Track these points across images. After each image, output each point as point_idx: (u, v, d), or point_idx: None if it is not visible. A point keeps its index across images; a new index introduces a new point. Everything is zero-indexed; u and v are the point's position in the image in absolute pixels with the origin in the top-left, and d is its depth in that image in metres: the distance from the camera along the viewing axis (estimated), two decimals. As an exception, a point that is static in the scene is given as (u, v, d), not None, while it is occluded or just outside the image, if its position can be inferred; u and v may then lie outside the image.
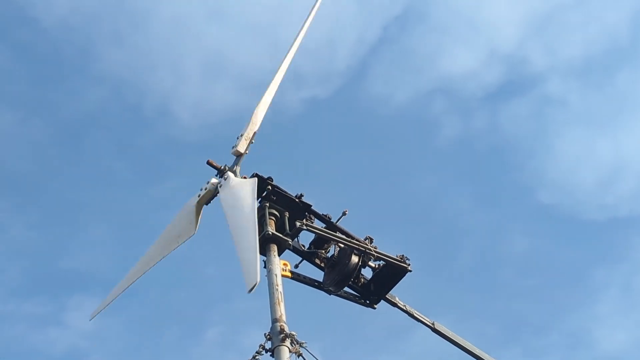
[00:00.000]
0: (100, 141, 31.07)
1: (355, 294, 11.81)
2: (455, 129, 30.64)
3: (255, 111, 11.78)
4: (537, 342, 27.69)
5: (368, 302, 11.84)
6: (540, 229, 30.10)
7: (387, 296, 11.85)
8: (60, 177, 31.10)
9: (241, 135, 11.58)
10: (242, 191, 10.73)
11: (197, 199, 11.49)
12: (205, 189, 11.44)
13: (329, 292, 11.57)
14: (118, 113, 31.42)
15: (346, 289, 11.65)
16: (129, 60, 30.92)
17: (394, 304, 11.92)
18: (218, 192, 11.31)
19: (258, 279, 9.12)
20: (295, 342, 9.86)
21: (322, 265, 11.60)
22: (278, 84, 12.38)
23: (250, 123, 11.67)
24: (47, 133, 31.55)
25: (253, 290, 9.15)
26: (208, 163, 11.54)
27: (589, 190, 30.53)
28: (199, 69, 30.97)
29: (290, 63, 12.85)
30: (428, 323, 12.04)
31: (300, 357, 9.80)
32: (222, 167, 11.46)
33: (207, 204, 11.51)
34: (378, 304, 11.90)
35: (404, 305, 11.98)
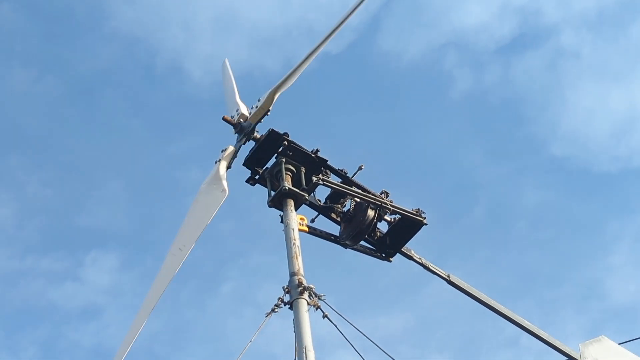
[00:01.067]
0: (113, 99, 31.26)
1: (371, 247, 11.94)
2: (468, 82, 30.62)
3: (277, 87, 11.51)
4: (550, 293, 27.95)
5: (384, 255, 11.97)
6: (553, 181, 30.23)
7: (402, 249, 11.98)
8: (75, 134, 31.33)
9: (255, 107, 11.60)
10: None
11: (217, 165, 11.47)
12: (224, 154, 11.46)
13: (345, 246, 11.69)
14: (131, 70, 31.56)
15: (362, 242, 11.80)
16: (140, 17, 30.91)
17: (410, 257, 12.04)
18: (238, 150, 11.44)
19: None
20: (313, 295, 10.00)
21: (338, 219, 11.73)
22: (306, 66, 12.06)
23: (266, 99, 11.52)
24: (61, 91, 31.77)
25: None
26: (223, 119, 11.63)
27: (602, 142, 30.54)
28: (211, 25, 30.93)
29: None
30: (443, 275, 12.16)
31: (319, 309, 9.94)
32: (237, 122, 11.56)
33: (229, 168, 11.54)
34: (394, 257, 12.04)
35: (420, 258, 12.10)
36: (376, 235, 11.77)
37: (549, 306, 27.25)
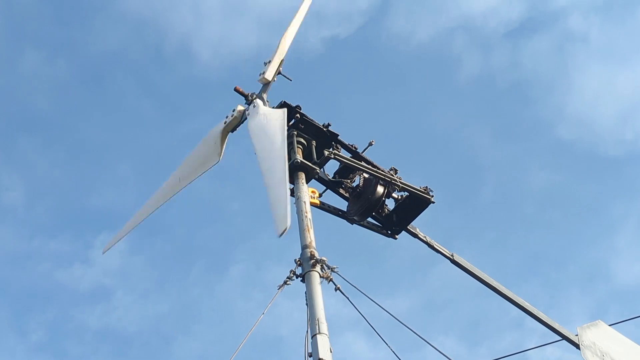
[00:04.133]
0: (123, 80, 31.24)
1: (378, 224, 11.92)
2: (476, 65, 30.63)
3: (283, 37, 11.63)
4: (556, 274, 28.19)
5: (390, 232, 11.96)
6: (560, 164, 30.18)
7: (408, 227, 11.96)
8: (85, 116, 31.13)
9: (269, 62, 11.53)
10: (271, 122, 10.60)
11: (223, 125, 11.51)
12: (232, 115, 11.47)
13: (352, 222, 11.66)
14: (140, 52, 31.51)
15: (369, 219, 11.76)
16: None
17: (415, 235, 12.02)
18: (245, 119, 11.35)
19: (288, 223, 8.80)
20: (325, 268, 9.94)
21: (346, 195, 11.69)
22: (306, 10, 12.22)
23: (278, 50, 11.57)
24: (71, 73, 31.62)
25: (283, 235, 8.82)
26: (235, 90, 11.54)
27: (608, 126, 30.55)
28: (220, 7, 30.90)
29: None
30: (447, 254, 12.15)
31: (331, 282, 9.87)
32: (250, 94, 11.46)
33: (232, 131, 11.54)
34: (399, 235, 12.02)
35: (425, 237, 12.08)
36: (384, 212, 11.75)
37: (555, 287, 27.57)
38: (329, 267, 9.92)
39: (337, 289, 9.82)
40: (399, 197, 11.80)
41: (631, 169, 30.30)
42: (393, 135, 25.17)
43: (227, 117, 11.57)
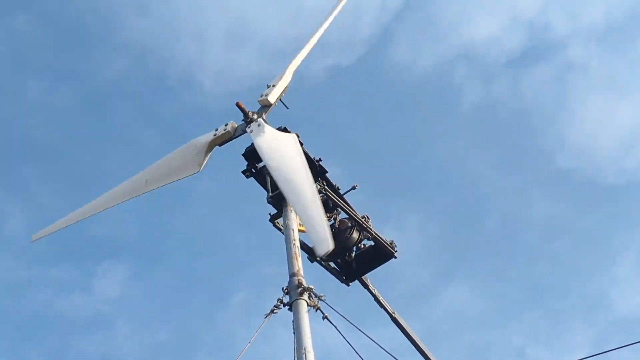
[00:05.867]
0: (125, 109, 30.69)
1: (336, 267, 12.00)
2: (478, 95, 30.78)
3: (291, 63, 11.63)
4: (557, 304, 28.41)
5: (344, 278, 12.06)
6: (561, 193, 30.49)
7: (362, 277, 12.13)
8: (87, 145, 30.53)
9: (272, 86, 11.49)
10: (285, 145, 10.47)
11: (212, 137, 11.32)
12: (224, 129, 11.31)
13: (313, 260, 11.68)
14: (142, 82, 31.06)
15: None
16: (152, 29, 30.47)
17: (366, 286, 12.20)
18: (238, 136, 11.25)
19: (331, 245, 8.69)
20: (313, 296, 9.92)
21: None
22: (316, 39, 12.28)
23: (284, 75, 11.56)
24: (74, 102, 31.00)
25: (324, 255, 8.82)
26: (237, 105, 11.39)
27: (608, 155, 30.90)
28: (222, 37, 30.61)
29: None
30: (389, 311, 12.38)
31: (319, 310, 9.86)
32: (250, 113, 11.37)
33: (221, 145, 11.39)
34: (352, 283, 12.15)
35: (374, 289, 12.29)
36: (350, 257, 11.86)
37: (557, 317, 27.76)
38: (316, 296, 9.92)
39: (324, 317, 9.83)
40: (363, 247, 11.97)
41: (631, 198, 30.45)
42: (394, 165, 25.25)
43: (217, 129, 11.41)
